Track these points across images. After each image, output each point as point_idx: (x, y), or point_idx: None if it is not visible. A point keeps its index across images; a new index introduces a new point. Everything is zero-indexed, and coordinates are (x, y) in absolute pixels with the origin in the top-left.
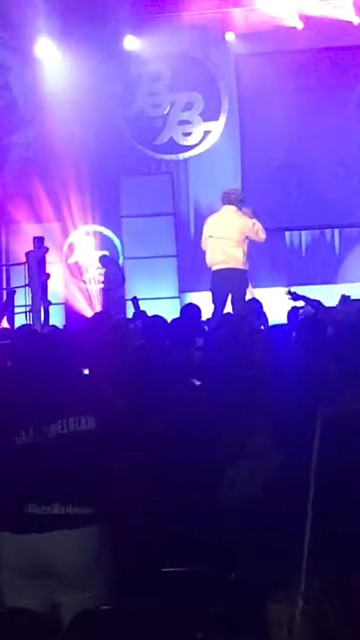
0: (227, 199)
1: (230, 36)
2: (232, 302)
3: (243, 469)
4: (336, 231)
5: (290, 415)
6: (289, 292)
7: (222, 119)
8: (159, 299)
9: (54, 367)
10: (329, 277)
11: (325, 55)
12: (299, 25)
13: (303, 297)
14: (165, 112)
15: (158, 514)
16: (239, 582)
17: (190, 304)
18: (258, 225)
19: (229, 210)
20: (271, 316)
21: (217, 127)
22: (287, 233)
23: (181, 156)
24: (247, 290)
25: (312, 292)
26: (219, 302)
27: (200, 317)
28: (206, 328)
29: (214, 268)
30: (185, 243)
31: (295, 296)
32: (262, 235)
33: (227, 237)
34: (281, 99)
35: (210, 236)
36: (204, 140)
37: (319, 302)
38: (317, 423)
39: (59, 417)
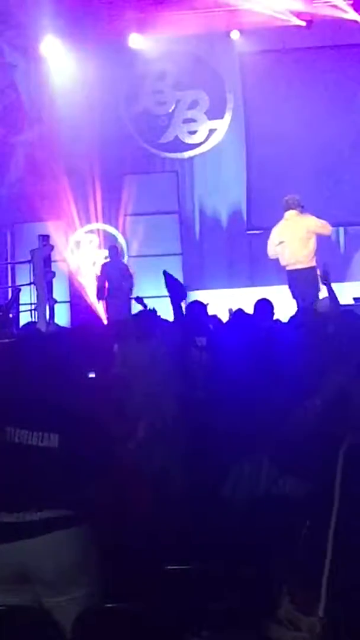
0: (287, 206)
1: (235, 34)
2: (306, 299)
3: (247, 469)
4: (341, 229)
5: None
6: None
7: (227, 117)
8: (164, 297)
9: (42, 372)
10: (335, 276)
11: (331, 53)
12: (303, 23)
13: (329, 288)
14: (171, 111)
15: (159, 514)
16: (241, 580)
17: (195, 302)
18: (322, 220)
19: (292, 214)
20: (281, 314)
21: (222, 126)
22: None
23: (186, 154)
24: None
25: None
26: (298, 299)
27: (205, 314)
28: (211, 326)
29: (287, 268)
30: (190, 241)
31: (325, 282)
32: (329, 228)
33: (294, 239)
34: (287, 97)
35: (280, 242)
36: (209, 138)
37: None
38: (340, 450)
39: (28, 427)
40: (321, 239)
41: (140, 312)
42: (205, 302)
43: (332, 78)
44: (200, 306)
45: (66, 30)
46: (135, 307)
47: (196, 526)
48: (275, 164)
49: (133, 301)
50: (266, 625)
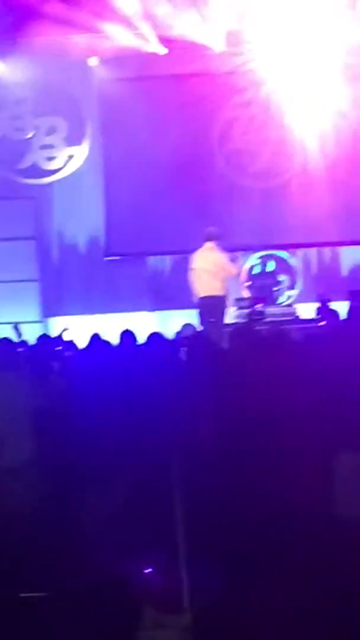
0: (207, 237)
1: (93, 61)
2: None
3: (93, 497)
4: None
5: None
6: None
7: (86, 143)
8: (20, 323)
9: None
10: (191, 302)
11: (187, 81)
12: (162, 51)
13: None
14: (29, 136)
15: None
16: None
17: (43, 335)
18: (229, 262)
19: (208, 246)
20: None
21: (80, 152)
22: (150, 258)
23: (45, 180)
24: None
25: (175, 316)
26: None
27: (55, 344)
28: (68, 353)
29: (198, 296)
30: (48, 267)
31: None
32: (232, 270)
33: (205, 269)
34: (144, 124)
35: (192, 268)
36: (67, 164)
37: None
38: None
39: None
40: (179, 265)
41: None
42: (64, 327)
43: (188, 105)
44: (48, 339)
45: None
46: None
47: (44, 553)
48: (133, 191)
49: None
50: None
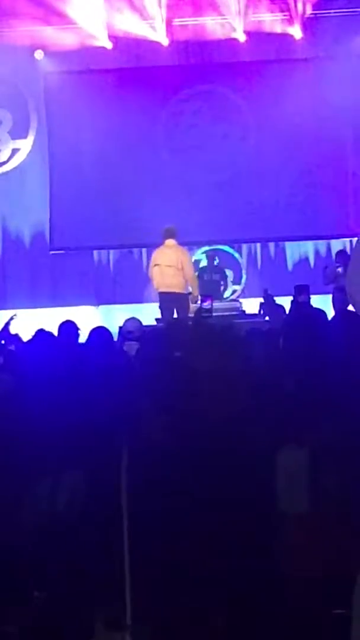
0: (168, 234)
1: (39, 54)
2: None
3: (45, 485)
4: (144, 250)
5: (94, 432)
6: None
7: (31, 137)
8: None
9: None
10: (136, 297)
11: (134, 75)
12: (108, 45)
13: None
14: None
15: None
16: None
17: None
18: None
19: (171, 242)
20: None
21: (25, 145)
22: (95, 252)
23: None
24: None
25: (120, 311)
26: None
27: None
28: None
29: (159, 290)
30: None
31: None
32: (192, 272)
33: (170, 265)
34: (91, 118)
35: (156, 264)
36: (12, 158)
37: None
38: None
39: None
40: (125, 259)
41: None
42: (12, 315)
43: (136, 99)
44: None
45: None
46: None
47: None
48: (79, 184)
49: None
50: None
